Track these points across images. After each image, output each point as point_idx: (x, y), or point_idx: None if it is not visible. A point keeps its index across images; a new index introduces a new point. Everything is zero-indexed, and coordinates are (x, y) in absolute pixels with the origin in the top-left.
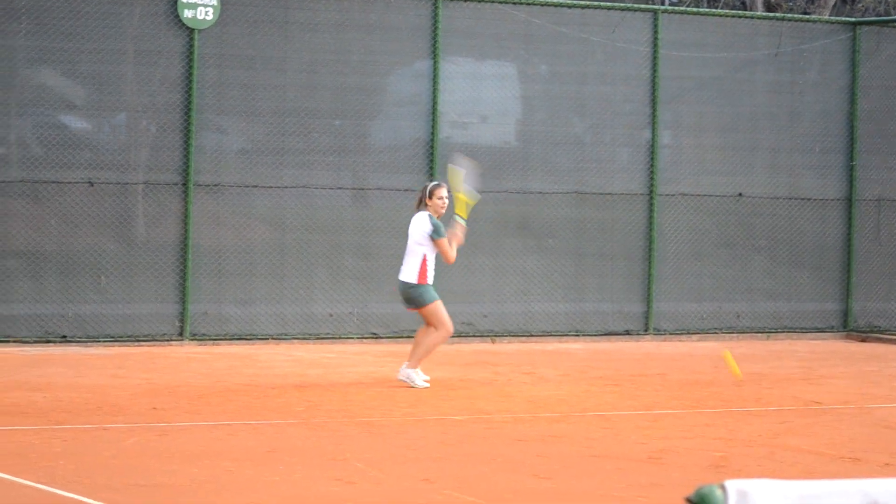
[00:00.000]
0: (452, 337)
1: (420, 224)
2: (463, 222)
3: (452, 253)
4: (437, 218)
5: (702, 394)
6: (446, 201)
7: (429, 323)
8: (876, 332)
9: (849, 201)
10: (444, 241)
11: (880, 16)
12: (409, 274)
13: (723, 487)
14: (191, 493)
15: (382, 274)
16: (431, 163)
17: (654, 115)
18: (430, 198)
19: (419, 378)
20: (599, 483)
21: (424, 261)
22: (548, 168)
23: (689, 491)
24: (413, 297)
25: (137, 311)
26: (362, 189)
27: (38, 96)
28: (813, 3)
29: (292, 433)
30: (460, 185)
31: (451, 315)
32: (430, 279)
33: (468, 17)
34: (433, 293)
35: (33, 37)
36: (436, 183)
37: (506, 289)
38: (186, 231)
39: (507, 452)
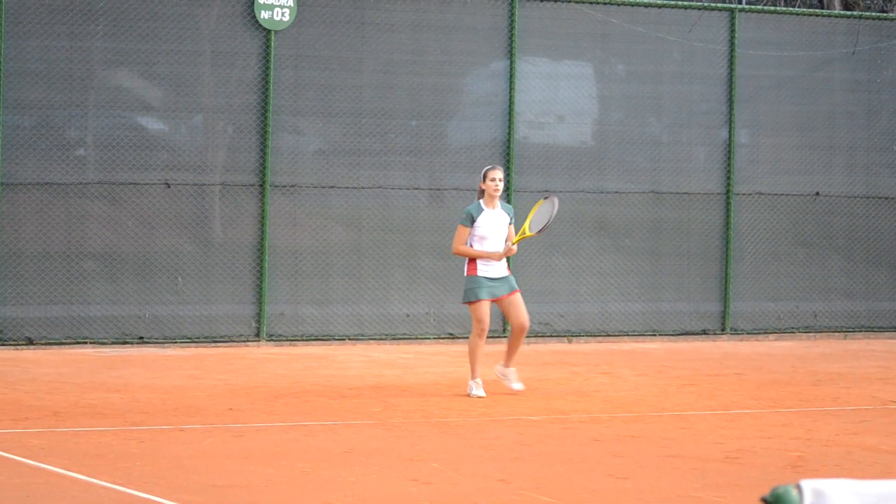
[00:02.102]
0: (529, 336)
1: None
2: (512, 247)
3: (461, 247)
4: (493, 200)
5: (779, 393)
6: (499, 183)
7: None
8: None
9: None
10: (460, 227)
11: None
12: (465, 266)
13: (798, 487)
14: (267, 493)
15: (458, 274)
16: (508, 162)
17: (730, 115)
18: (484, 181)
19: (475, 389)
20: (676, 483)
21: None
22: (624, 168)
23: (766, 491)
24: (464, 289)
25: (214, 313)
26: (438, 189)
27: (116, 98)
28: (891, 1)
29: (369, 434)
30: (535, 218)
31: (530, 314)
32: (480, 272)
33: (544, 17)
34: (474, 291)
35: (110, 38)
36: (489, 167)
37: (582, 288)
38: (263, 232)
39: (583, 452)
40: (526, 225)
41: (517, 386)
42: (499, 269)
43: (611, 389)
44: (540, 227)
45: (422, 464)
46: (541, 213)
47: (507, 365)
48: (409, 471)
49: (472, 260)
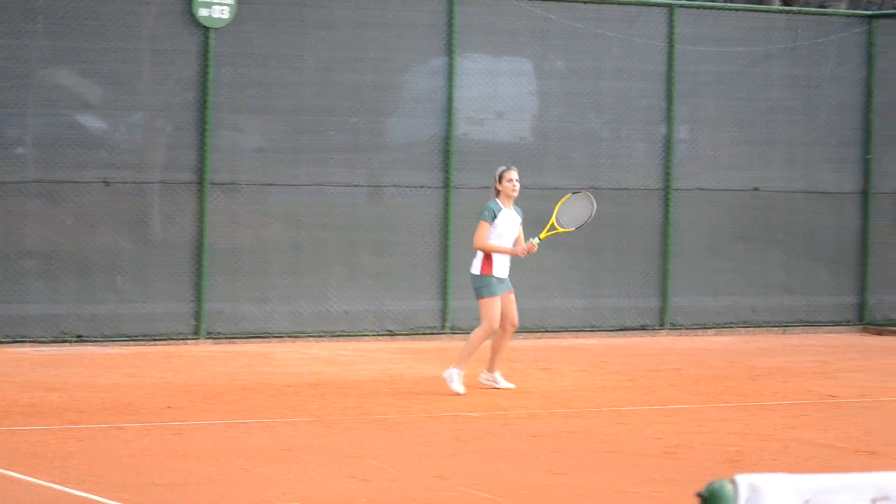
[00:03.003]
0: (467, 333)
1: None
2: (536, 242)
3: (486, 243)
4: (510, 200)
5: (717, 388)
6: (516, 184)
7: (481, 316)
8: (892, 326)
9: (865, 195)
10: (483, 223)
11: None
12: (474, 264)
13: (734, 482)
14: (205, 491)
15: (398, 271)
16: (447, 159)
17: (669, 110)
18: (500, 181)
19: (457, 381)
20: (614, 478)
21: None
22: (564, 164)
23: (703, 486)
24: (474, 287)
25: (153, 311)
26: (378, 186)
27: (55, 96)
28: None
29: (308, 431)
30: (565, 212)
31: (467, 311)
32: (494, 271)
33: (484, 14)
34: (491, 288)
35: (50, 37)
36: (504, 167)
37: (522, 284)
38: (202, 230)
39: (521, 448)
40: (553, 220)
41: (506, 384)
42: (506, 269)
43: (549, 385)
44: (580, 224)
45: (360, 461)
46: (574, 208)
47: (491, 370)
48: (348, 468)
49: (487, 258)
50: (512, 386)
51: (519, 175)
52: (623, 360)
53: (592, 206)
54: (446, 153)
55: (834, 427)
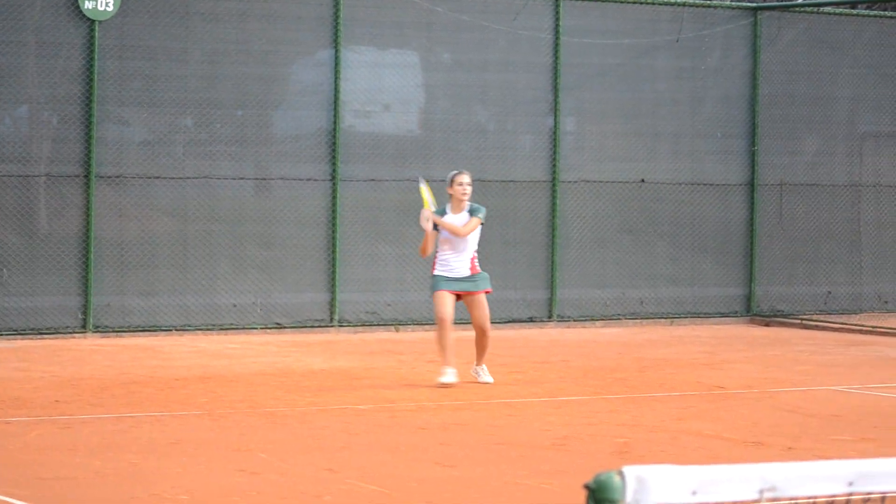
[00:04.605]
0: (355, 325)
1: None
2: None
3: (454, 227)
4: (460, 203)
5: (606, 380)
6: (467, 188)
7: None
8: (779, 317)
9: (751, 186)
10: (438, 217)
11: (781, 1)
12: None
13: (621, 474)
14: (95, 485)
15: (285, 264)
16: (334, 152)
17: (556, 102)
18: (451, 185)
19: (450, 376)
20: (503, 470)
21: (436, 251)
22: (450, 156)
23: (591, 477)
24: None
25: (40, 304)
26: (265, 179)
27: None
28: None
29: (196, 425)
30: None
31: (355, 304)
32: (437, 269)
33: (370, 6)
34: (435, 284)
35: None
36: (455, 172)
37: (409, 276)
38: (88, 223)
39: (410, 441)
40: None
41: (487, 379)
42: (460, 270)
43: (437, 378)
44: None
45: (249, 454)
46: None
47: (479, 363)
48: (237, 461)
49: (434, 260)
50: (490, 380)
51: (470, 178)
52: (511, 352)
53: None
54: (333, 146)
55: (721, 418)
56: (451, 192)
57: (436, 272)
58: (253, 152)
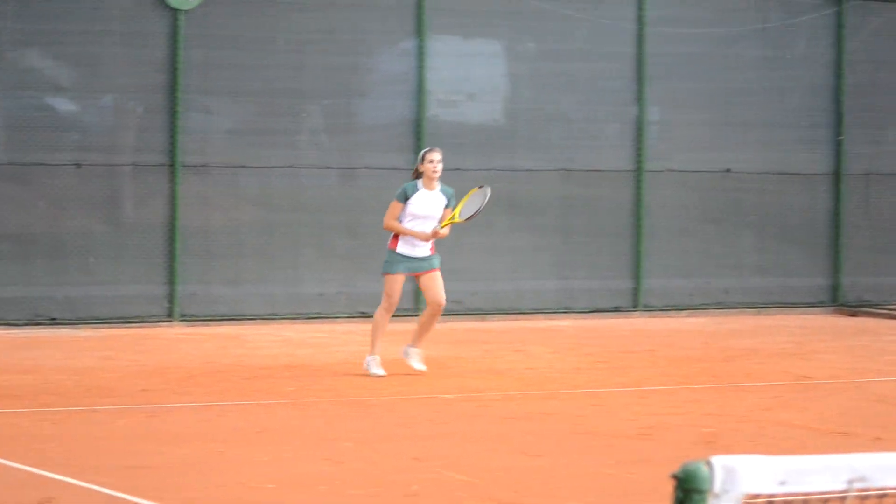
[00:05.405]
0: (443, 314)
1: None
2: (439, 229)
3: (392, 223)
4: (431, 181)
5: (691, 370)
6: (438, 165)
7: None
8: (865, 307)
9: (837, 176)
10: (394, 203)
11: None
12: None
13: (709, 464)
14: (180, 474)
15: (370, 253)
16: (419, 141)
17: (640, 92)
18: (422, 162)
19: (374, 366)
20: (589, 460)
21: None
22: (535, 145)
23: (678, 467)
24: (384, 260)
25: (126, 293)
26: (350, 168)
27: (25, 79)
28: None
29: (282, 413)
30: (467, 205)
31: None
32: (399, 248)
33: None
34: (391, 265)
35: (20, 19)
36: (427, 148)
37: (495, 266)
38: (174, 212)
39: (496, 430)
40: (456, 211)
41: (418, 366)
42: (422, 249)
43: (524, 367)
44: (469, 216)
45: (335, 443)
46: (472, 202)
47: (415, 345)
48: (323, 450)
49: (396, 235)
50: (423, 368)
51: (442, 156)
52: (597, 341)
53: (485, 199)
54: (418, 135)
55: (809, 408)
56: (422, 169)
57: (398, 250)
58: (338, 142)
